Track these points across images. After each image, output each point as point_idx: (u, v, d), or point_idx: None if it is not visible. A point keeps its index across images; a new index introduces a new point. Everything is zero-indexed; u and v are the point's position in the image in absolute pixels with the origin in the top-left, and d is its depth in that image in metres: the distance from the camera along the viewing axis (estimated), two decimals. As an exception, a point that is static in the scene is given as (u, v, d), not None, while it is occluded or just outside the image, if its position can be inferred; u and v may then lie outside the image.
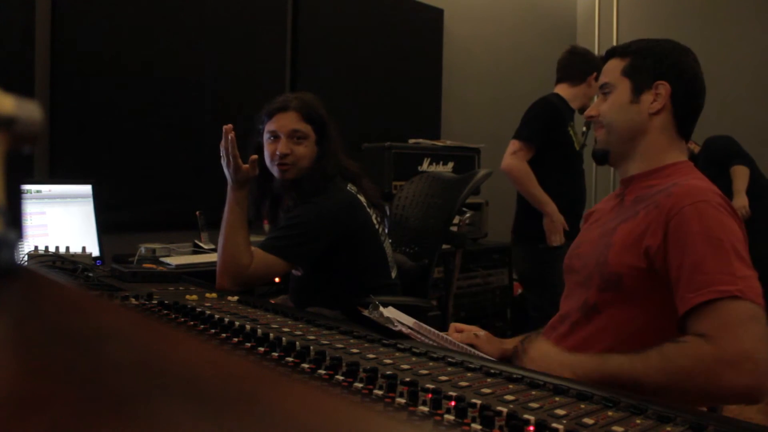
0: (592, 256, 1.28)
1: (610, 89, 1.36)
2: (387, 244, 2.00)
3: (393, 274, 1.99)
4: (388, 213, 2.27)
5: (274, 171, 1.85)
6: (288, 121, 1.83)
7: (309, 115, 1.85)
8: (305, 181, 1.85)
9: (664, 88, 1.30)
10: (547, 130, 2.90)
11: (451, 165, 3.55)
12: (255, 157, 1.75)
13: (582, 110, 2.92)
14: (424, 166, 3.45)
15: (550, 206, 2.86)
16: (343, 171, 1.91)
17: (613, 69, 1.36)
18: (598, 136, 1.39)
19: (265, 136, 1.87)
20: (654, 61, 1.32)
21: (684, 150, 1.36)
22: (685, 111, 1.33)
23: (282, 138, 1.83)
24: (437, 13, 4.08)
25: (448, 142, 3.71)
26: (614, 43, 4.54)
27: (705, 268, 1.10)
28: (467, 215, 3.31)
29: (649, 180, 1.31)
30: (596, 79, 2.89)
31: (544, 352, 1.20)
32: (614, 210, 1.36)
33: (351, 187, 1.91)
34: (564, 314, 1.34)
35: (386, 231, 2.04)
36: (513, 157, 2.87)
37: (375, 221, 1.94)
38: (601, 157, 1.39)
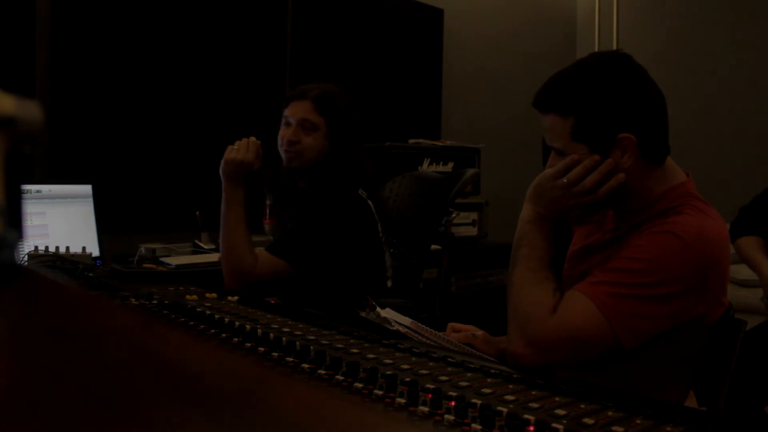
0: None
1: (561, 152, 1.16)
2: (388, 254, 1.97)
3: (389, 284, 1.97)
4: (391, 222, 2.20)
5: (282, 155, 1.87)
6: (301, 109, 1.82)
7: (324, 107, 1.83)
8: (311, 176, 1.83)
9: (628, 140, 1.12)
10: None
11: (451, 165, 3.54)
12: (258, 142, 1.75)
13: None
14: (425, 166, 3.44)
15: None
16: (360, 173, 1.88)
17: (558, 129, 1.14)
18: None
19: (282, 120, 1.88)
20: (607, 116, 1.11)
21: (668, 171, 1.19)
22: (653, 144, 1.15)
23: (293, 125, 1.83)
24: (437, 13, 4.08)
25: (448, 142, 3.70)
26: (614, 44, 4.49)
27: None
28: (453, 216, 3.27)
29: (641, 216, 1.18)
30: None
31: None
32: (607, 238, 1.25)
33: (362, 192, 1.88)
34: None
35: (389, 240, 2.01)
36: None
37: (380, 230, 1.92)
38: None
